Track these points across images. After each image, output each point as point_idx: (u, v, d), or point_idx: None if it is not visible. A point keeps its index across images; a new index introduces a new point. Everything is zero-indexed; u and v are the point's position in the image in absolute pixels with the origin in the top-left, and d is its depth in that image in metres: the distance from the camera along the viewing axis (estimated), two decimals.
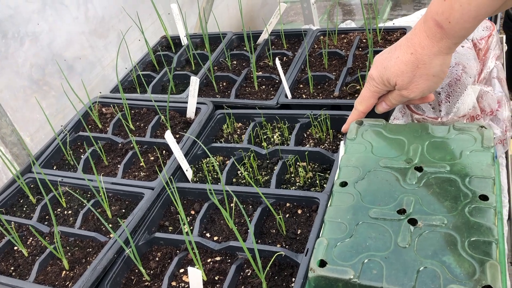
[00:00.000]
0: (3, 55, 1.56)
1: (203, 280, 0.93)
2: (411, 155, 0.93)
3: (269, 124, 1.31)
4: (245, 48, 1.67)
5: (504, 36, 1.48)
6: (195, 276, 0.80)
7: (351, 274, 0.74)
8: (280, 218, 0.99)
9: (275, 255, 0.90)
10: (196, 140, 1.25)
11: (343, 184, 0.91)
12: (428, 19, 0.81)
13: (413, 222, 0.80)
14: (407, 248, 0.77)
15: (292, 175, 1.15)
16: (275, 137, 1.28)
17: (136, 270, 1.01)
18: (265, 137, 1.28)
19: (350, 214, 0.85)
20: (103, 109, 1.50)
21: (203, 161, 1.25)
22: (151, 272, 1.00)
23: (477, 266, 0.72)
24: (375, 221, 0.82)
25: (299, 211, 1.04)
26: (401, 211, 0.83)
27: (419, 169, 0.90)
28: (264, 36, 1.65)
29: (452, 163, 0.89)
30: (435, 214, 0.81)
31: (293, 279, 0.89)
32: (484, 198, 0.82)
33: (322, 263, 0.77)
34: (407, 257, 0.75)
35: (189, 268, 0.80)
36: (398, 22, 1.62)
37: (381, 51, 1.43)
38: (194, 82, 1.32)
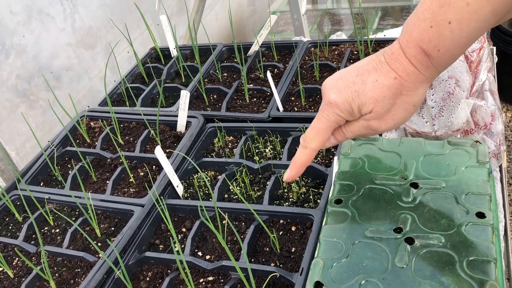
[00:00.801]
0: None
1: None
2: (406, 171, 0.92)
3: (261, 138, 1.29)
4: (235, 60, 1.66)
5: (495, 48, 1.48)
6: None
7: None
8: (274, 236, 0.97)
9: (270, 276, 0.88)
10: (186, 157, 1.22)
11: (338, 201, 0.89)
12: (410, 46, 0.69)
13: (410, 241, 0.79)
14: (404, 269, 0.75)
15: (285, 191, 1.13)
16: (267, 151, 1.26)
17: None
18: (257, 151, 1.26)
19: (345, 233, 0.83)
20: (91, 123, 1.47)
21: (194, 176, 1.23)
22: None
23: (477, 286, 0.70)
24: (371, 240, 0.81)
25: (293, 228, 1.02)
26: (398, 230, 0.81)
27: (415, 185, 0.89)
28: (254, 47, 1.64)
29: (447, 179, 0.88)
30: (432, 233, 0.79)
31: None
32: (481, 215, 0.81)
33: (318, 285, 0.75)
34: (404, 278, 0.74)
35: None
36: (389, 33, 1.62)
37: None
38: (185, 96, 1.30)
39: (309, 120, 1.25)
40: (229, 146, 1.32)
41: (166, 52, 1.79)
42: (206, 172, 1.23)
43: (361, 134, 0.82)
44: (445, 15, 0.63)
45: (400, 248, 0.78)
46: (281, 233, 1.02)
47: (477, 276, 0.71)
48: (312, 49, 1.60)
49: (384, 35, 1.57)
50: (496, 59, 1.47)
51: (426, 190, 0.87)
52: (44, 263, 0.97)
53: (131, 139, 1.38)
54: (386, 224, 0.83)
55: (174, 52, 1.73)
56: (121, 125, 1.43)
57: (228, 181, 1.13)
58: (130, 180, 1.23)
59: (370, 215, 0.85)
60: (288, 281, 0.90)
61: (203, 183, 1.20)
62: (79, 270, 1.02)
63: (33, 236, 1.14)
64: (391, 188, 0.89)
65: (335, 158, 1.02)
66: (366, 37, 1.49)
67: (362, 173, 0.94)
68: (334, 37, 1.68)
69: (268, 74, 1.31)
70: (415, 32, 0.68)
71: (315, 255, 0.81)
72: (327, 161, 1.18)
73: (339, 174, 0.95)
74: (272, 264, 0.95)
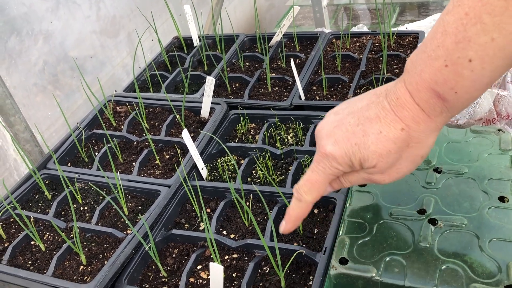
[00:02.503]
0: (17, 53, 1.57)
1: None
2: (430, 157, 0.94)
3: (283, 125, 1.32)
4: (257, 50, 1.68)
5: None
6: (216, 271, 0.81)
7: (373, 272, 0.75)
8: None
9: (296, 253, 0.91)
10: (213, 136, 1.25)
11: (362, 184, 0.92)
12: (421, 89, 0.60)
13: (433, 222, 0.82)
14: (428, 247, 0.78)
15: None
16: (289, 137, 1.29)
17: (153, 266, 1.02)
18: (279, 137, 1.29)
19: (370, 213, 0.86)
20: (117, 108, 1.51)
21: (218, 161, 1.26)
22: (168, 268, 1.01)
23: (499, 266, 0.73)
24: (395, 220, 0.83)
25: (316, 211, 1.05)
26: (421, 211, 0.84)
27: (438, 170, 0.91)
28: (276, 38, 1.66)
29: (470, 165, 0.90)
30: (455, 215, 0.82)
31: (311, 277, 0.90)
32: (503, 200, 0.83)
33: (344, 261, 0.78)
34: (428, 256, 0.76)
35: (211, 264, 0.81)
36: (411, 26, 1.63)
37: (394, 54, 1.46)
38: (210, 82, 1.33)
39: (331, 108, 1.28)
40: (252, 132, 1.35)
41: (188, 41, 1.82)
42: (230, 157, 1.27)
43: (361, 183, 0.78)
44: (464, 52, 0.55)
45: (424, 228, 0.80)
46: None
47: (499, 256, 0.74)
48: (334, 40, 1.62)
49: (406, 28, 1.59)
50: None
51: (449, 175, 0.90)
52: (75, 236, 1.01)
53: (156, 123, 1.41)
54: (410, 206, 0.85)
55: (197, 41, 1.77)
56: (146, 110, 1.47)
57: (256, 161, 1.16)
58: (156, 162, 1.27)
59: (394, 197, 0.88)
60: (311, 260, 0.93)
61: (227, 166, 1.23)
62: (107, 245, 1.06)
63: (62, 213, 1.18)
64: (414, 172, 0.92)
65: None
66: (388, 30, 1.51)
67: None
68: (355, 29, 1.70)
69: (292, 62, 1.34)
70: (427, 73, 0.59)
71: (340, 234, 0.84)
72: None
73: None
74: (295, 244, 0.97)
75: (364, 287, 0.76)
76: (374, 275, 0.75)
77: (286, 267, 0.90)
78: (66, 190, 1.17)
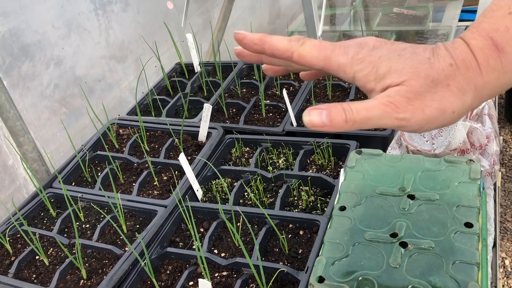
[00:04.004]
0: (30, 77, 1.67)
1: None
2: (405, 184, 1.02)
3: (275, 150, 1.41)
4: (254, 77, 1.78)
5: None
6: (205, 287, 0.88)
7: None
8: (283, 238, 1.08)
9: (278, 271, 0.98)
10: (207, 162, 1.34)
11: (342, 208, 1.00)
12: (477, 37, 0.54)
13: (404, 245, 0.89)
14: (397, 268, 0.85)
15: (295, 198, 1.24)
16: (280, 162, 1.37)
17: (149, 282, 1.09)
18: (271, 161, 1.38)
19: (347, 236, 0.93)
20: (120, 130, 1.60)
21: (213, 183, 1.35)
22: (163, 284, 1.08)
23: (460, 286, 0.80)
24: (370, 243, 0.91)
25: (301, 232, 1.13)
26: (394, 235, 0.91)
27: (412, 197, 0.99)
28: None
29: (441, 193, 0.98)
30: (424, 238, 0.89)
31: None
32: (469, 225, 0.90)
33: (321, 279, 0.85)
34: (397, 276, 0.83)
35: (200, 280, 0.88)
36: None
37: None
38: (207, 108, 1.43)
39: (321, 135, 1.37)
40: (245, 156, 1.43)
41: (190, 67, 1.92)
42: (223, 179, 1.35)
43: (372, 120, 0.56)
44: None
45: (395, 250, 0.88)
46: (290, 236, 1.12)
47: (460, 277, 0.81)
48: None
49: None
50: None
51: (422, 201, 0.97)
52: (77, 252, 1.09)
53: (156, 146, 1.50)
54: (383, 230, 0.93)
55: (197, 68, 1.87)
56: (148, 133, 1.56)
57: (245, 186, 1.24)
58: (155, 183, 1.35)
59: (370, 221, 0.95)
60: (294, 279, 1.00)
61: (221, 188, 1.31)
62: (106, 261, 1.13)
63: (66, 230, 1.26)
64: (390, 199, 0.99)
65: (342, 170, 1.13)
66: None
67: (365, 184, 1.04)
68: None
69: (284, 91, 1.43)
70: (486, 22, 0.54)
71: (319, 254, 0.91)
72: (335, 173, 1.28)
73: (344, 184, 1.06)
74: (281, 263, 1.05)
75: None
76: None
77: (270, 284, 0.97)
78: (69, 208, 1.25)
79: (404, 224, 0.92)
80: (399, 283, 0.82)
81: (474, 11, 2.90)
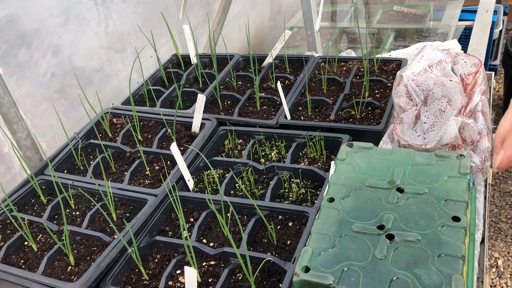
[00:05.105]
0: (27, 65, 1.67)
1: (197, 281, 1.01)
2: (395, 177, 1.02)
3: (268, 142, 1.40)
4: (250, 70, 1.77)
5: (493, 73, 1.58)
6: (191, 275, 0.88)
7: (331, 280, 0.82)
8: (271, 228, 1.08)
9: (264, 260, 0.98)
10: (199, 152, 1.34)
11: (331, 200, 1.00)
12: None
13: (390, 237, 0.89)
14: (383, 260, 0.85)
15: (286, 190, 1.24)
16: (272, 154, 1.37)
17: (136, 270, 1.09)
18: (263, 153, 1.37)
19: (334, 227, 0.93)
20: (114, 120, 1.59)
21: (204, 173, 1.34)
22: (150, 272, 1.08)
23: (444, 278, 0.80)
24: (356, 234, 0.91)
25: (290, 224, 1.13)
26: (381, 227, 0.91)
27: (401, 190, 0.99)
28: (268, 59, 1.76)
29: (430, 187, 0.98)
30: (411, 231, 0.89)
31: (280, 285, 0.97)
32: (456, 219, 0.90)
33: (306, 269, 0.85)
34: (382, 267, 0.83)
35: (186, 268, 0.88)
36: (395, 54, 1.72)
37: (377, 80, 1.54)
38: (201, 99, 1.42)
39: (314, 128, 1.37)
40: (238, 148, 1.43)
41: (186, 59, 1.91)
42: (215, 170, 1.35)
43: None
44: None
45: (381, 242, 0.88)
46: (279, 227, 1.12)
47: (445, 270, 0.81)
48: (322, 64, 1.71)
49: (390, 55, 1.68)
50: (494, 84, 1.56)
51: (410, 195, 0.97)
52: (65, 238, 1.09)
53: (149, 136, 1.50)
54: (371, 222, 0.93)
55: (194, 60, 1.86)
56: (141, 123, 1.55)
57: (236, 177, 1.24)
58: (146, 172, 1.35)
59: (358, 213, 0.95)
60: (281, 269, 1.00)
61: (212, 179, 1.31)
62: (95, 248, 1.13)
63: (56, 216, 1.26)
64: (379, 192, 0.99)
65: (332, 162, 1.12)
66: (373, 56, 1.60)
67: (354, 177, 1.04)
68: (344, 54, 1.79)
69: (278, 84, 1.42)
70: None
71: (306, 245, 0.91)
72: (326, 167, 1.28)
73: (334, 176, 1.06)
74: (269, 254, 1.05)
75: None
76: (331, 282, 0.82)
77: (256, 273, 0.97)
78: (59, 196, 1.24)
79: (392, 217, 0.92)
80: (384, 275, 0.82)
81: (474, 11, 2.89)
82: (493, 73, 1.56)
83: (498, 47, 3.31)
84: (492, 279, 2.45)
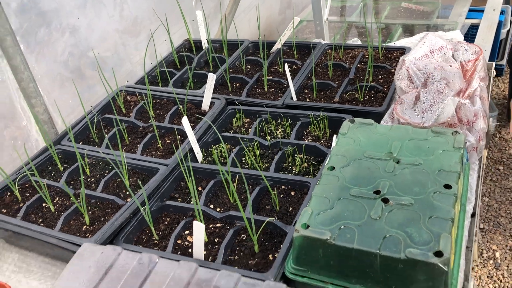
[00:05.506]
0: (46, 43, 1.74)
1: (204, 241, 1.07)
2: (392, 150, 1.08)
3: (274, 121, 1.47)
4: (259, 55, 1.84)
5: (494, 63, 1.63)
6: (199, 229, 0.95)
7: (328, 235, 0.89)
8: (274, 194, 1.14)
9: (267, 220, 1.05)
10: (211, 124, 1.41)
11: (332, 168, 1.06)
12: None
13: (385, 201, 0.95)
14: (377, 220, 0.91)
15: (290, 164, 1.30)
16: (278, 132, 1.43)
17: (147, 231, 1.17)
18: (269, 131, 1.44)
19: (334, 192, 1.00)
20: (128, 97, 1.67)
21: (213, 147, 1.41)
22: (160, 233, 1.15)
23: (434, 237, 0.86)
24: (354, 198, 0.97)
25: (292, 193, 1.19)
26: (377, 192, 0.98)
27: (397, 161, 1.05)
28: (277, 45, 1.82)
29: (425, 159, 1.04)
30: (405, 196, 0.95)
31: (281, 245, 1.04)
32: (448, 187, 0.97)
33: (306, 226, 0.92)
34: (377, 226, 0.90)
35: (194, 222, 0.95)
36: (400, 43, 1.78)
37: (381, 66, 1.61)
38: (211, 78, 1.49)
39: (319, 109, 1.43)
40: (245, 126, 1.50)
41: (198, 44, 1.99)
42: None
43: None
44: None
45: (377, 205, 0.94)
46: (281, 196, 1.19)
47: (435, 230, 0.87)
48: (329, 51, 1.78)
49: (394, 43, 1.74)
50: (494, 74, 1.62)
51: (406, 165, 1.03)
52: (82, 199, 1.16)
53: (161, 113, 1.57)
54: (368, 188, 0.99)
55: (205, 44, 1.93)
56: (154, 101, 1.63)
57: (245, 148, 1.30)
58: (158, 145, 1.42)
59: (356, 180, 1.02)
60: (283, 231, 1.07)
61: (220, 153, 1.38)
62: (109, 210, 1.21)
63: (72, 182, 1.33)
64: (377, 162, 1.06)
65: (334, 136, 1.19)
66: (378, 44, 1.66)
67: (355, 149, 1.11)
68: (350, 42, 1.86)
69: (286, 66, 1.49)
70: None
71: (306, 206, 0.98)
72: (329, 144, 1.35)
73: (335, 148, 1.12)
74: (271, 218, 1.12)
75: (321, 248, 0.89)
76: (328, 238, 0.89)
77: (259, 232, 1.04)
78: (79, 161, 1.32)
79: (388, 184, 0.99)
80: (378, 232, 0.89)
81: (482, 11, 2.94)
82: (493, 63, 1.61)
83: (505, 47, 3.36)
84: (489, 270, 2.50)
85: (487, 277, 2.46)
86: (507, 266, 2.50)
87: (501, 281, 2.43)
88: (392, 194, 0.96)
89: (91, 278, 0.82)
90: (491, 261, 2.54)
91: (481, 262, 2.53)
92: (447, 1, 3.08)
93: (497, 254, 2.56)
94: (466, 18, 2.89)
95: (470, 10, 2.97)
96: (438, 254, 0.83)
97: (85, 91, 1.93)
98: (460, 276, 0.94)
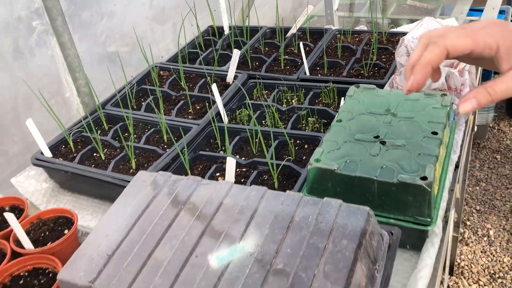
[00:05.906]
0: (88, 25, 1.98)
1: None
2: (390, 107, 1.30)
3: (290, 91, 1.69)
4: (276, 39, 2.07)
5: None
6: (231, 163, 1.18)
7: (335, 166, 1.11)
8: (291, 143, 1.37)
9: (285, 159, 1.27)
10: (241, 87, 1.63)
11: (339, 121, 1.28)
12: None
13: (383, 143, 1.17)
14: (376, 156, 1.13)
15: (304, 125, 1.52)
16: (293, 100, 1.66)
17: (184, 175, 1.39)
18: (285, 100, 1.66)
19: (341, 137, 1.22)
20: (161, 72, 1.90)
21: (237, 112, 1.64)
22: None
23: (421, 167, 1.08)
24: (357, 141, 1.19)
25: (306, 146, 1.41)
26: (376, 137, 1.19)
27: (394, 115, 1.27)
28: (292, 30, 2.05)
29: (417, 113, 1.26)
30: (399, 139, 1.17)
31: (296, 183, 1.26)
32: (435, 133, 1.18)
33: (317, 161, 1.14)
34: (375, 160, 1.12)
35: (228, 158, 1.17)
36: (401, 28, 2.00)
37: (384, 48, 1.83)
38: (236, 54, 1.72)
39: (329, 82, 1.65)
40: (264, 96, 1.72)
41: (220, 30, 2.22)
42: (245, 109, 1.64)
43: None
44: None
45: (375, 146, 1.16)
46: (296, 148, 1.41)
47: (422, 162, 1.09)
48: (338, 35, 2.00)
49: (396, 29, 1.95)
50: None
51: (401, 118, 1.25)
52: (130, 146, 1.39)
53: (191, 85, 1.80)
54: (369, 134, 1.21)
55: (227, 30, 2.16)
56: (184, 75, 1.85)
57: (266, 109, 1.52)
58: (189, 110, 1.65)
59: (359, 129, 1.24)
60: (297, 173, 1.29)
61: (243, 118, 1.60)
62: (151, 158, 1.43)
63: (117, 138, 1.56)
64: (377, 116, 1.28)
65: (342, 98, 1.41)
66: (381, 30, 1.88)
67: (359, 107, 1.32)
68: (357, 28, 2.08)
69: (301, 44, 1.71)
70: None
71: (318, 147, 1.20)
72: (337, 109, 1.57)
73: (343, 106, 1.34)
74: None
75: (330, 177, 1.11)
76: (336, 168, 1.10)
77: (277, 172, 1.26)
78: (125, 120, 1.55)
79: (385, 131, 1.21)
80: (376, 165, 1.10)
81: (481, 10, 3.15)
82: None
83: None
84: (483, 246, 2.70)
85: (481, 252, 2.66)
86: (500, 243, 2.70)
87: (493, 256, 2.63)
88: (389, 138, 1.18)
89: (148, 193, 1.04)
90: (485, 238, 2.74)
91: (476, 239, 2.73)
92: (451, 1, 3.29)
93: (491, 232, 2.76)
94: (467, 16, 3.10)
95: (471, 10, 3.18)
96: (424, 178, 1.04)
97: (118, 71, 2.16)
98: (442, 205, 1.16)
